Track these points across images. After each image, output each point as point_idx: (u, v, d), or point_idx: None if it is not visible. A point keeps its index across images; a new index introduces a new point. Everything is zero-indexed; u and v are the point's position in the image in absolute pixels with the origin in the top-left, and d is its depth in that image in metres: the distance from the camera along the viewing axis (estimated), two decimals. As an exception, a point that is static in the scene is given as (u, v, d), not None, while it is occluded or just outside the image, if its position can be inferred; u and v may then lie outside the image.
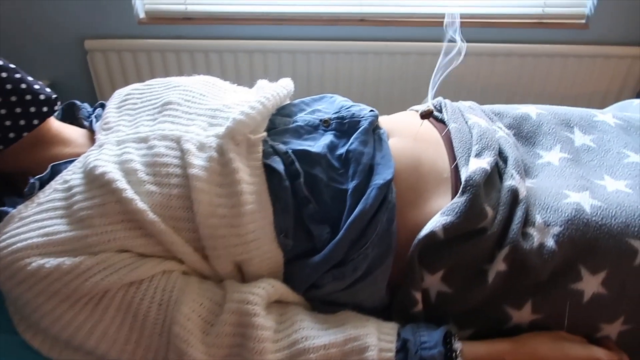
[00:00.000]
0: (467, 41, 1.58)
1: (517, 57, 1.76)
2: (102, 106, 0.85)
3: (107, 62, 1.76)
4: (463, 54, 0.73)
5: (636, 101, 1.07)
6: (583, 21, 1.76)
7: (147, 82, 0.84)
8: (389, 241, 0.67)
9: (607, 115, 0.89)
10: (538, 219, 0.68)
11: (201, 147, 0.68)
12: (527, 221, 0.68)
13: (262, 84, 0.84)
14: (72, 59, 1.80)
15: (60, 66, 1.82)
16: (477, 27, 1.75)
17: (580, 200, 0.69)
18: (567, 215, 0.66)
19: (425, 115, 0.76)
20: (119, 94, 0.83)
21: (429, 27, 1.73)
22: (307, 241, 0.68)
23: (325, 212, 0.69)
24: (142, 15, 1.75)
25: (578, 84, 1.82)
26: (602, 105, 1.85)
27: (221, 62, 1.77)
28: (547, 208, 0.68)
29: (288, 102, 0.85)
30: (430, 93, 0.74)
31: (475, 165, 0.70)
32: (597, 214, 0.67)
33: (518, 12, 1.75)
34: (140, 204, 0.62)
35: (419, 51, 1.76)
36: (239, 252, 0.64)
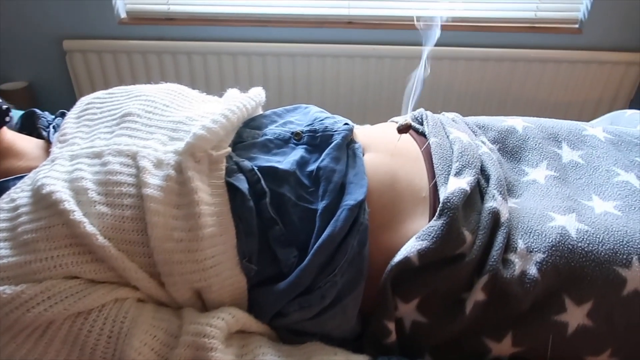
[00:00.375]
0: (458, 45, 1.54)
1: (509, 62, 1.72)
2: (63, 115, 0.79)
3: (86, 63, 1.71)
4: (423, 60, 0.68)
5: (628, 112, 1.03)
6: (576, 26, 1.72)
7: (111, 90, 0.79)
8: (360, 267, 0.63)
9: (597, 129, 0.85)
10: (520, 244, 0.63)
11: (158, 164, 0.63)
12: (508, 247, 0.63)
13: (230, 93, 0.79)
14: (51, 59, 1.74)
15: (38, 67, 1.76)
16: (467, 31, 1.71)
17: (566, 223, 0.64)
18: (552, 241, 0.62)
19: (403, 129, 0.71)
20: (81, 102, 0.78)
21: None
22: (272, 266, 0.63)
23: (292, 234, 0.64)
24: (123, 15, 1.69)
25: (571, 91, 1.78)
26: (594, 112, 1.81)
27: (204, 64, 1.72)
28: (531, 232, 0.64)
29: (260, 112, 0.80)
30: (410, 105, 0.70)
31: (454, 186, 0.65)
32: (583, 239, 0.62)
33: (510, 16, 1.71)
34: (89, 227, 0.57)
35: (409, 55, 1.71)
36: (196, 279, 0.60)
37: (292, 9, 1.68)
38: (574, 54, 1.72)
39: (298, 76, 1.75)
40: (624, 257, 0.61)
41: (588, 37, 1.72)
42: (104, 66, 1.72)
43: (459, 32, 1.70)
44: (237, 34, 1.70)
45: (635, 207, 0.68)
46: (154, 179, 0.61)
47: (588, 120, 1.18)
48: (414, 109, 0.88)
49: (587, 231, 0.63)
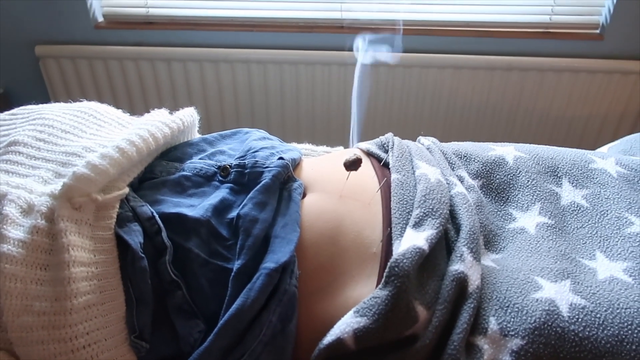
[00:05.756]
0: (461, 53, 1.37)
1: (518, 72, 1.55)
2: None
3: (61, 70, 1.60)
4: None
5: (652, 134, 0.85)
6: (597, 31, 1.54)
7: (15, 110, 0.67)
8: (282, 348, 0.49)
9: (609, 161, 0.69)
10: (492, 323, 0.48)
11: (28, 210, 0.50)
12: (476, 327, 0.48)
13: (147, 117, 0.65)
14: (25, 65, 1.65)
15: (13, 73, 1.67)
16: (472, 37, 1.55)
17: (557, 295, 0.49)
18: (535, 321, 0.47)
19: (351, 165, 0.56)
20: None
21: (423, 35, 1.53)
22: (170, 343, 0.50)
23: (199, 302, 0.50)
24: (100, 19, 1.59)
25: (590, 104, 1.60)
26: (617, 129, 1.63)
27: (184, 71, 1.59)
28: (508, 307, 0.49)
29: (194, 137, 0.67)
30: (353, 130, 0.55)
31: (408, 243, 0.50)
32: (578, 319, 0.47)
33: (521, 20, 1.54)
34: None
35: (410, 63, 1.56)
36: (62, 364, 0.46)
37: (280, 12, 1.54)
38: (594, 63, 1.54)
39: (285, 85, 1.61)
40: (633, 347, 0.45)
41: (610, 44, 1.54)
42: (79, 72, 1.61)
43: (462, 37, 1.54)
44: (220, 38, 1.57)
45: (652, 272, 0.52)
46: (15, 232, 0.48)
47: (611, 139, 1.01)
48: (384, 135, 0.73)
49: (584, 308, 0.48)
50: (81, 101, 0.69)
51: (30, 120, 0.62)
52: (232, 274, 0.50)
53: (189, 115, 0.66)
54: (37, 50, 1.57)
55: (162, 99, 1.65)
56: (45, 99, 1.69)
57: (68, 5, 1.54)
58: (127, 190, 0.54)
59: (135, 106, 1.64)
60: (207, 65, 1.57)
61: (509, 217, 0.62)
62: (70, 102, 0.68)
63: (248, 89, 1.59)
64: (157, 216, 0.52)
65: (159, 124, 0.61)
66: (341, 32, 1.54)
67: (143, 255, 0.50)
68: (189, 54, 1.57)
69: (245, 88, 1.59)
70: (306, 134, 1.70)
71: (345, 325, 0.47)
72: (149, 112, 0.66)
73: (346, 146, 0.79)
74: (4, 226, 0.48)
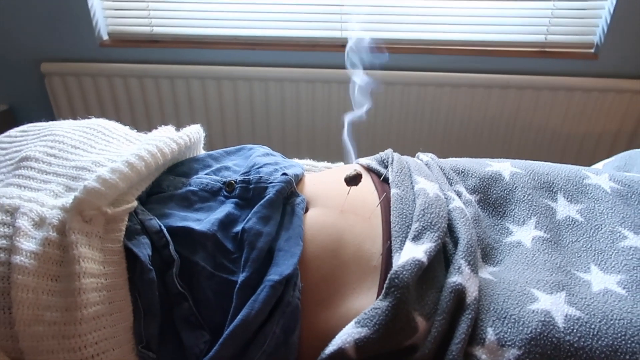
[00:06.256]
0: (460, 71, 1.39)
1: (515, 90, 1.58)
2: None
3: (65, 87, 1.63)
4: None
5: (645, 151, 0.87)
6: (592, 50, 1.58)
7: (25, 127, 0.69)
8: (285, 358, 0.50)
9: (602, 177, 0.70)
10: (490, 334, 0.49)
11: (40, 223, 0.51)
12: (474, 337, 0.49)
13: (155, 133, 0.67)
14: (30, 82, 1.68)
15: (18, 90, 1.70)
16: (470, 55, 1.58)
17: (552, 307, 0.50)
18: (531, 332, 0.48)
19: (352, 180, 0.58)
20: None
21: (422, 54, 1.57)
22: (177, 353, 0.51)
23: (205, 314, 0.52)
24: (105, 37, 1.62)
25: (586, 122, 1.63)
26: (612, 145, 1.65)
27: (187, 88, 1.62)
28: (505, 318, 0.50)
29: (199, 153, 0.69)
30: (350, 147, 0.57)
31: (408, 255, 0.52)
32: (573, 330, 0.48)
33: (517, 40, 1.58)
34: None
35: (410, 81, 1.59)
36: (72, 373, 0.47)
37: (282, 31, 1.58)
38: (589, 82, 1.57)
39: (286, 102, 1.63)
40: (627, 357, 0.47)
41: (604, 63, 1.57)
42: (83, 90, 1.63)
43: (460, 56, 1.57)
44: (222, 56, 1.60)
45: (645, 285, 0.54)
46: (27, 244, 0.49)
47: (607, 156, 1.03)
48: (380, 151, 0.75)
49: (578, 319, 0.49)
50: (89, 118, 0.71)
51: (41, 136, 0.64)
52: (237, 286, 0.51)
53: (195, 132, 0.68)
54: (43, 67, 1.60)
55: (165, 116, 1.68)
56: (49, 116, 1.72)
57: (74, 23, 1.57)
58: (135, 203, 0.56)
59: (138, 123, 1.67)
60: (209, 82, 1.60)
61: (506, 230, 0.63)
62: (78, 119, 0.70)
63: (250, 106, 1.62)
64: (165, 229, 0.54)
65: (167, 139, 0.63)
66: (341, 51, 1.57)
67: (151, 267, 0.51)
68: (192, 71, 1.60)
69: (247, 105, 1.62)
70: (307, 150, 1.73)
71: (347, 335, 0.48)
72: (151, 128, 0.68)
73: (346, 162, 0.81)
74: (17, 238, 0.49)
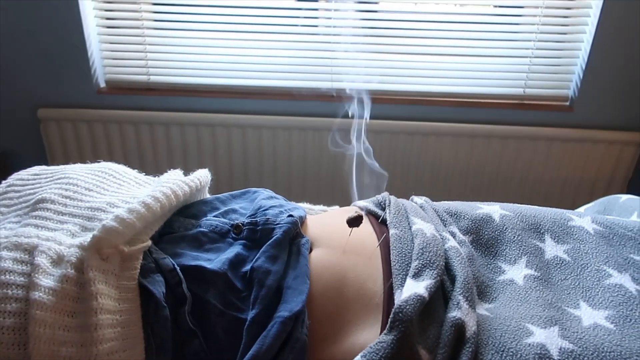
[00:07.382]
0: (444, 121, 1.47)
1: (498, 139, 1.65)
2: None
3: (61, 132, 1.65)
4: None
5: (624, 197, 0.93)
6: (567, 103, 1.67)
7: (36, 170, 0.71)
8: (294, 393, 0.51)
9: (585, 220, 0.75)
10: (490, 367, 0.52)
11: (58, 260, 0.53)
12: (475, 370, 0.52)
13: (167, 176, 0.70)
14: (25, 128, 1.70)
15: (12, 135, 1.71)
16: (454, 107, 1.66)
17: (547, 340, 0.53)
18: (528, 364, 0.50)
19: (353, 222, 0.62)
20: (3, 184, 0.70)
21: (408, 104, 1.64)
22: (186, 389, 0.52)
23: (215, 350, 0.53)
24: (102, 84, 1.66)
25: (565, 169, 1.70)
26: (592, 191, 1.72)
27: (182, 135, 1.66)
28: (503, 351, 0.53)
29: (204, 196, 0.72)
30: (354, 190, 0.61)
31: (410, 291, 0.54)
32: (567, 362, 0.51)
33: (497, 92, 1.66)
34: None
35: (393, 130, 1.65)
36: (85, 409, 0.48)
37: (273, 81, 1.64)
38: (565, 132, 1.66)
39: (278, 149, 1.68)
40: (619, 388, 0.49)
41: (580, 115, 1.66)
42: (79, 135, 1.66)
43: (445, 107, 1.65)
44: (216, 105, 1.66)
45: (630, 319, 0.57)
46: (46, 280, 0.51)
47: (587, 201, 1.08)
48: (377, 192, 0.79)
49: (572, 351, 0.52)
50: (99, 162, 0.74)
51: (55, 179, 0.67)
52: (247, 323, 0.53)
53: (204, 176, 0.72)
54: (40, 113, 1.63)
55: (159, 162, 1.71)
56: (43, 160, 1.73)
57: (73, 71, 1.61)
58: (150, 242, 0.58)
59: (132, 168, 1.69)
60: (204, 129, 1.65)
61: (499, 269, 0.67)
62: (87, 162, 0.73)
63: (242, 152, 1.66)
64: (178, 268, 0.56)
65: (180, 182, 0.66)
66: (331, 101, 1.64)
67: (165, 304, 0.53)
68: (187, 118, 1.64)
69: (240, 151, 1.66)
70: (298, 194, 1.76)
71: (354, 369, 0.50)
72: (146, 174, 0.71)
73: (341, 205, 0.85)
74: (36, 275, 0.51)
